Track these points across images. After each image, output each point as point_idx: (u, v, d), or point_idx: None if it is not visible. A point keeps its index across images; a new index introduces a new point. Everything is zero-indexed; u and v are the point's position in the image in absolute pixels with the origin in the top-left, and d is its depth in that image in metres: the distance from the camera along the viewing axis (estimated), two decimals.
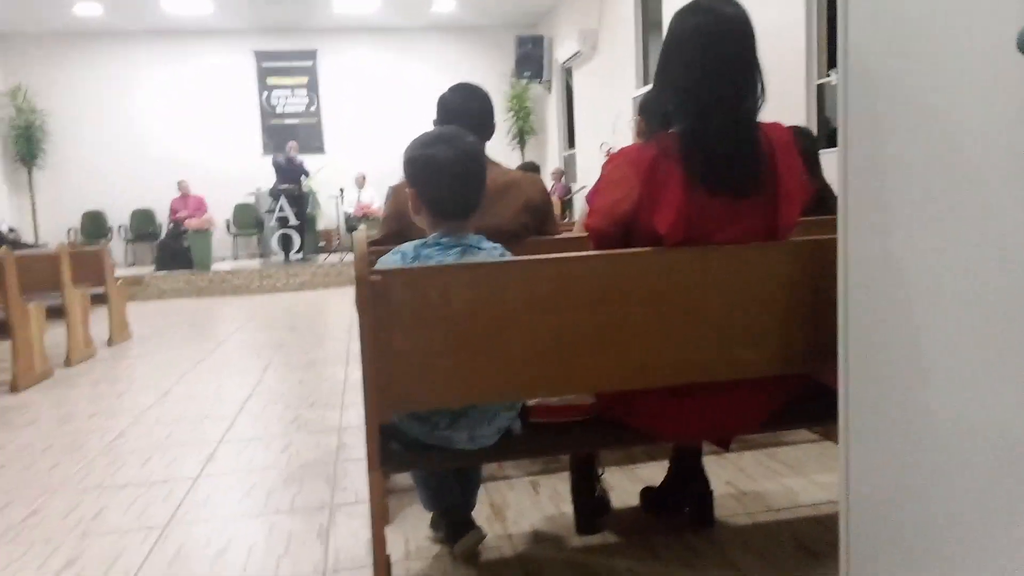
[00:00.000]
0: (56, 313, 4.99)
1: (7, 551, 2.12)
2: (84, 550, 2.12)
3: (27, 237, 11.10)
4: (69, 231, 11.87)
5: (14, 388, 4.22)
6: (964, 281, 1.03)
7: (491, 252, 1.73)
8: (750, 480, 2.35)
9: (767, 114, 1.66)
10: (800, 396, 1.75)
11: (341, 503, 2.37)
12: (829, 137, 5.50)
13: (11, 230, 10.40)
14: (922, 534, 1.13)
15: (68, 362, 4.97)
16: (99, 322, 5.70)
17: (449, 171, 1.70)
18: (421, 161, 1.72)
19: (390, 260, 1.67)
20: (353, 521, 2.23)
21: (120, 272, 7.68)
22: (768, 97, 1.64)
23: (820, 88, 5.63)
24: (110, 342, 5.80)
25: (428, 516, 2.09)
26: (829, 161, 2.64)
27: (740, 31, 1.59)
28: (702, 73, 1.58)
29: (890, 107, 1.16)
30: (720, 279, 1.57)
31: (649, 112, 2.41)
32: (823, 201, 2.63)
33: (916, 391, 1.13)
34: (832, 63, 5.54)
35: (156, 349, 5.63)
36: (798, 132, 2.54)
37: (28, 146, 11.75)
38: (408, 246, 1.72)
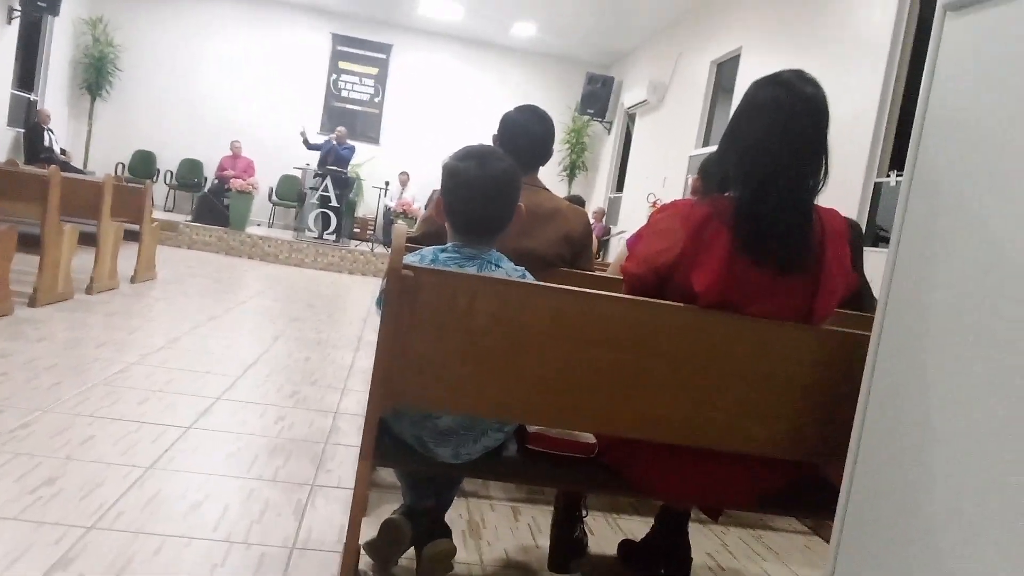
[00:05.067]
0: (88, 240, 5.08)
1: None
2: (66, 472, 2.14)
3: (77, 163, 11.29)
4: (118, 165, 12.07)
5: (33, 303, 4.29)
6: (991, 405, 1.01)
7: (511, 272, 1.74)
8: (731, 558, 2.32)
9: (822, 200, 1.67)
10: (800, 484, 1.73)
11: (323, 484, 2.38)
12: (874, 238, 5.47)
13: (63, 151, 10.61)
14: None
15: (90, 289, 5.03)
16: (128, 258, 5.77)
17: (469, 189, 1.72)
18: (448, 172, 1.75)
19: (408, 259, 1.68)
20: (331, 504, 2.23)
21: (158, 215, 7.80)
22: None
23: (876, 187, 5.61)
24: (134, 279, 5.86)
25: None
26: (871, 260, 2.64)
27: (816, 111, 1.59)
28: (770, 144, 1.58)
29: (948, 218, 1.15)
30: (746, 350, 1.57)
31: (708, 173, 2.42)
32: (860, 298, 2.62)
33: (922, 508, 1.11)
34: (893, 165, 5.52)
35: (176, 295, 5.69)
36: (851, 225, 2.54)
37: (97, 76, 12.00)
38: (428, 250, 1.74)
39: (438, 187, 1.84)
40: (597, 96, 12.22)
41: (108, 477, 2.15)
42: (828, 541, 1.29)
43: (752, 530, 2.57)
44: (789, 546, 2.49)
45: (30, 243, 4.27)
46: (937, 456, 1.09)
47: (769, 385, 1.58)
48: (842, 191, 5.59)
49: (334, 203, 10.16)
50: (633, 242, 1.81)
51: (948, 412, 1.09)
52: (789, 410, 1.58)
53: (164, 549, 1.81)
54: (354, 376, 3.93)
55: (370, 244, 10.75)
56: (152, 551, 1.79)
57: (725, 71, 8.79)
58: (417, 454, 1.68)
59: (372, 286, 8.28)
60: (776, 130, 1.57)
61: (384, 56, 13.17)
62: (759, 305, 1.58)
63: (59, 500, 1.96)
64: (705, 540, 2.40)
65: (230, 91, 12.68)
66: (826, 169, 1.62)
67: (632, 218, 10.30)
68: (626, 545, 2.16)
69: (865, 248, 3.06)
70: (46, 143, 10.19)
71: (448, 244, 1.75)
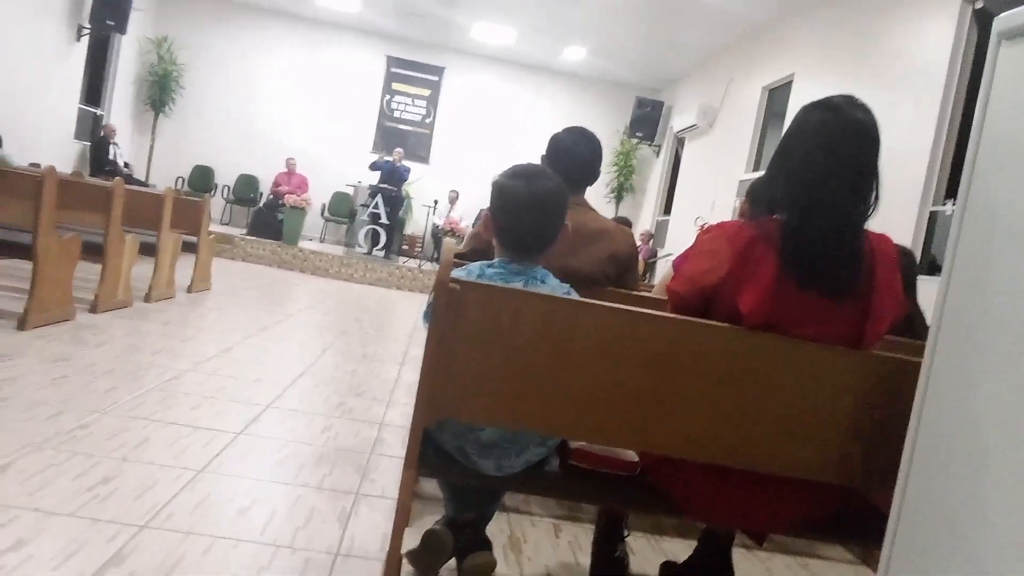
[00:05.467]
0: (148, 251, 5.25)
1: (50, 455, 2.24)
2: (121, 472, 2.21)
3: (139, 176, 11.67)
4: (178, 179, 12.46)
5: (93, 309, 4.45)
6: None
7: (556, 288, 1.75)
8: None
9: (874, 227, 1.66)
10: (847, 511, 1.71)
11: (367, 493, 2.42)
12: (928, 267, 5.36)
13: (126, 165, 11.00)
14: None
15: (148, 298, 5.20)
16: (185, 269, 5.95)
17: (517, 206, 1.75)
18: (497, 189, 1.79)
19: (455, 273, 1.71)
20: (375, 513, 2.26)
21: (214, 227, 8.01)
22: (878, 210, 1.63)
23: (932, 216, 5.50)
24: (190, 289, 6.03)
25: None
26: (925, 289, 2.60)
27: (865, 135, 1.59)
28: (818, 168, 1.58)
29: (1002, 244, 1.14)
30: (793, 373, 1.56)
31: (756, 196, 2.41)
32: (911, 325, 2.58)
33: (973, 537, 1.09)
34: (949, 194, 5.42)
35: (230, 306, 5.84)
36: (901, 251, 2.51)
37: (160, 93, 12.43)
38: (475, 265, 1.77)
39: (486, 206, 1.88)
40: (646, 120, 12.24)
41: (161, 479, 2.22)
42: (876, 571, 1.27)
43: (798, 557, 2.53)
44: (836, 575, 2.44)
45: (93, 251, 4.43)
46: (989, 484, 1.07)
47: (814, 408, 1.56)
48: (897, 219, 5.49)
49: (384, 220, 10.33)
50: (679, 262, 1.81)
51: (1000, 439, 1.07)
52: (835, 434, 1.57)
53: (213, 550, 1.86)
54: (399, 389, 3.98)
55: (418, 261, 10.87)
56: (201, 551, 1.84)
57: (777, 97, 8.73)
58: (460, 465, 1.70)
59: (419, 302, 8.38)
60: (824, 154, 1.57)
61: (436, 78, 13.41)
62: (806, 329, 1.57)
63: (114, 499, 2.03)
64: (749, 565, 2.37)
65: (287, 110, 13.02)
66: (876, 195, 1.61)
67: (679, 241, 10.24)
68: (668, 567, 2.14)
69: (920, 276, 3.01)
70: (111, 156, 10.58)
71: (495, 260, 1.78)
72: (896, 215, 5.50)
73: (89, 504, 1.97)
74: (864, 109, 1.62)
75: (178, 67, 12.50)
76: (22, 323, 3.71)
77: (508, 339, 1.53)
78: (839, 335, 1.60)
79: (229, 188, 12.70)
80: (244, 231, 10.72)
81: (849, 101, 1.62)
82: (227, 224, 12.18)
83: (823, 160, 1.58)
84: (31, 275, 3.78)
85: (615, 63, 12.30)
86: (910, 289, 2.71)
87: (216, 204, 11.55)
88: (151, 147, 12.56)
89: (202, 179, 12.70)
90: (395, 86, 13.39)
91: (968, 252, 1.22)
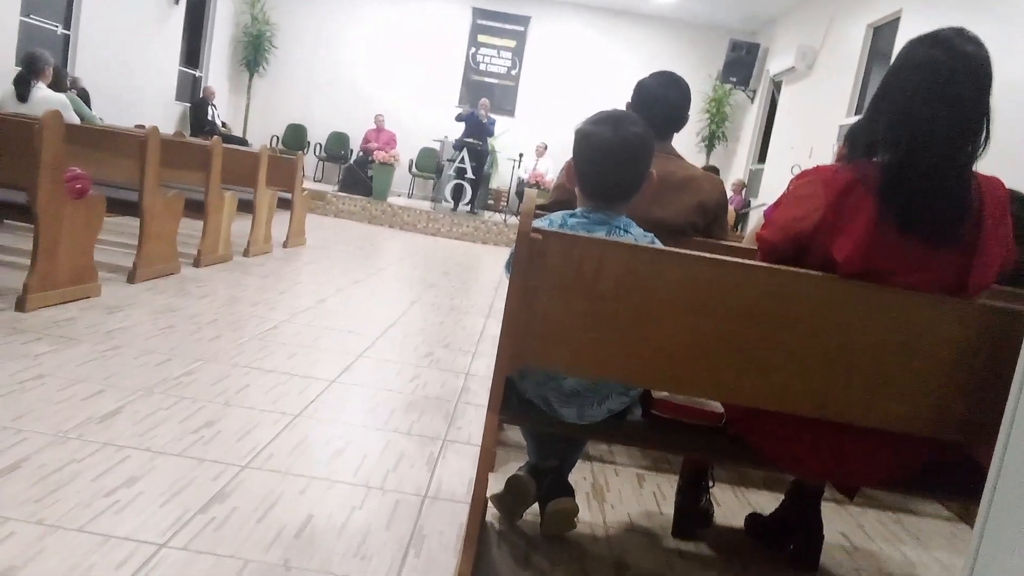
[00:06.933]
0: (245, 207, 5.46)
1: (159, 400, 2.38)
2: (224, 416, 2.34)
3: (236, 135, 12.09)
4: (272, 138, 12.84)
5: (197, 263, 4.68)
6: None
7: (640, 238, 1.72)
8: (867, 539, 2.23)
9: (988, 170, 1.55)
10: (945, 465, 1.64)
11: (453, 440, 2.48)
12: None
13: (224, 124, 11.40)
14: None
15: (247, 252, 5.42)
16: (280, 225, 6.17)
17: (601, 153, 1.71)
18: (581, 135, 1.75)
19: (537, 224, 1.69)
20: (461, 459, 2.32)
21: (308, 184, 8.24)
22: (990, 152, 1.52)
23: None
24: (286, 244, 6.26)
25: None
26: None
27: (976, 71, 1.48)
28: (924, 107, 1.48)
29: None
30: (889, 323, 1.49)
31: (855, 138, 2.29)
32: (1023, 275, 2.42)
33: None
34: None
35: (323, 260, 6.03)
36: (1014, 196, 2.34)
37: (255, 53, 12.76)
38: (557, 215, 1.75)
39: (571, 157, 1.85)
40: (741, 64, 11.76)
41: (261, 422, 2.34)
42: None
43: (892, 513, 2.45)
44: (932, 531, 2.36)
45: (195, 208, 4.64)
46: None
47: (912, 360, 1.49)
48: (1013, 161, 5.11)
49: (470, 175, 10.38)
50: (771, 210, 1.75)
51: None
52: (933, 387, 1.49)
53: (309, 490, 1.95)
54: (484, 341, 4.04)
55: (503, 215, 10.90)
56: (298, 491, 1.93)
57: (882, 35, 8.22)
58: (542, 413, 1.72)
59: (504, 256, 8.38)
60: (931, 92, 1.47)
61: (522, 28, 13.23)
62: (905, 276, 1.50)
63: (217, 441, 2.15)
64: (839, 519, 2.32)
65: (375, 66, 13.15)
66: (987, 134, 1.50)
67: (774, 191, 9.85)
68: (754, 518, 2.12)
69: None
70: (209, 116, 10.99)
71: (577, 209, 1.76)
72: (1012, 157, 5.12)
73: (195, 445, 2.09)
74: (976, 42, 1.50)
75: (271, 27, 12.77)
76: (131, 277, 3.94)
77: (590, 289, 1.52)
78: (941, 283, 1.51)
79: (321, 146, 13.00)
80: (335, 187, 10.99)
81: (959, 33, 1.51)
82: (319, 181, 12.50)
83: (929, 99, 1.48)
84: (139, 231, 4.00)
85: (708, 4, 11.81)
86: (1023, 238, 2.53)
87: (309, 162, 11.84)
88: (247, 107, 12.95)
89: (295, 137, 13.04)
90: (480, 38, 13.30)
91: None
